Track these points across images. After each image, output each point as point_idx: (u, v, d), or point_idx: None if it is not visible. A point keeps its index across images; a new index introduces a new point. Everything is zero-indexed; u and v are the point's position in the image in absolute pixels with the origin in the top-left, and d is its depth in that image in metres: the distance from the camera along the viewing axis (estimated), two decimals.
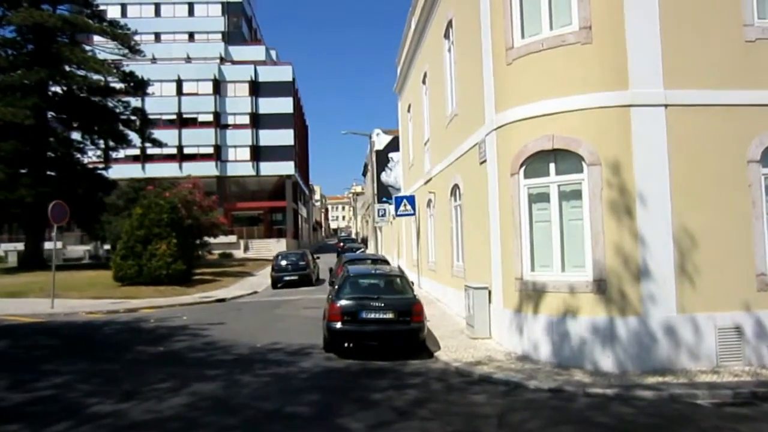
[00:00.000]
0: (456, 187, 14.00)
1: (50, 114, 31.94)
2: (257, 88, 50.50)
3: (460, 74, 13.19)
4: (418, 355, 9.74)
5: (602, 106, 8.72)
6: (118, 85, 34.43)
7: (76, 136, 34.31)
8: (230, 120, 50.15)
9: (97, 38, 38.39)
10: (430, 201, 18.02)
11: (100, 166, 35.14)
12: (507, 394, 7.36)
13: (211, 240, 31.16)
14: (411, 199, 19.93)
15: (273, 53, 57.39)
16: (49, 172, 30.88)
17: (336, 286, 10.30)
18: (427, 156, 18.18)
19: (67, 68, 30.99)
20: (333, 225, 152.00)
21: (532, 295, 9.37)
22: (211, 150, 49.08)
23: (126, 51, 34.10)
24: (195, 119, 49.49)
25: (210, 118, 49.38)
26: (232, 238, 45.17)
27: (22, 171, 29.17)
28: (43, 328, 13.28)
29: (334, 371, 8.78)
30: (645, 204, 8.49)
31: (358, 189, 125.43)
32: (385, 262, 16.20)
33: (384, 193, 44.72)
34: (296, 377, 8.35)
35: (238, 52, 52.82)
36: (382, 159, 45.27)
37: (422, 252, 19.60)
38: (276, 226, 52.17)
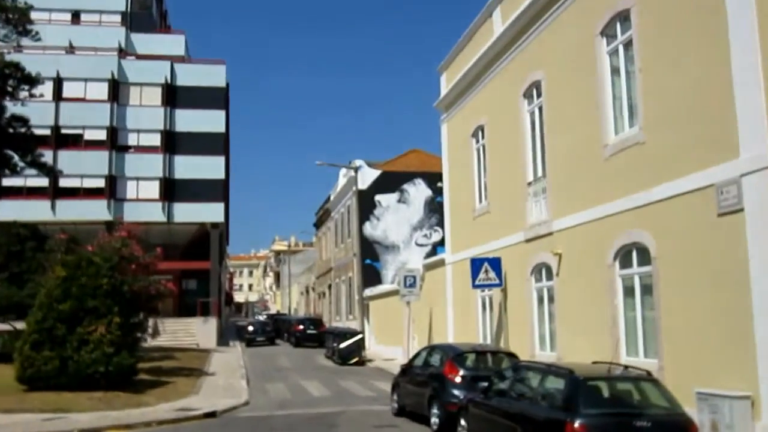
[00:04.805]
0: (633, 246, 13.92)
1: None
2: (174, 95, 49.31)
3: (651, 89, 13.36)
4: None
5: None
6: None
7: None
8: (132, 140, 48.44)
9: None
10: (542, 266, 17.81)
11: None
12: None
13: (157, 317, 29.09)
14: (495, 263, 19.65)
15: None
16: None
17: (561, 396, 9.61)
18: (537, 202, 18.12)
19: None
20: (237, 297, 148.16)
21: None
22: (101, 183, 46.77)
23: (6, 32, 32.64)
24: (79, 137, 47.37)
25: (102, 135, 47.22)
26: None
27: None
28: None
29: None
30: None
31: (283, 246, 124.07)
32: (513, 356, 15.62)
33: (368, 251, 44.40)
34: None
35: (144, 42, 51.54)
36: (366, 204, 44.97)
37: (513, 339, 19.16)
38: (196, 297, 49.41)
